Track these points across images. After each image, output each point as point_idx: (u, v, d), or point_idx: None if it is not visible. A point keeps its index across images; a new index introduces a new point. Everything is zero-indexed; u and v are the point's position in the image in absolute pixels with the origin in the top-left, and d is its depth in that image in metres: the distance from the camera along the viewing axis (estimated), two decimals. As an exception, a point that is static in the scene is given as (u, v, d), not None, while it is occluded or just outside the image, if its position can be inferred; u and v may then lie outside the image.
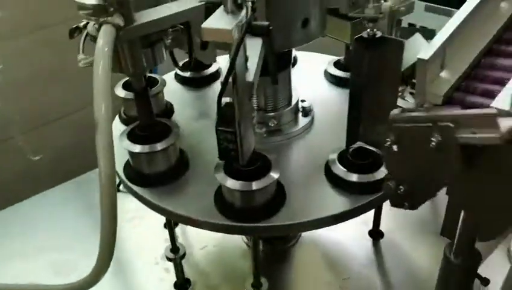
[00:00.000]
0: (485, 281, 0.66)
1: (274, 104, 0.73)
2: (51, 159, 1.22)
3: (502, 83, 0.50)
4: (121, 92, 0.76)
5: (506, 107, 0.46)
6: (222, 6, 0.49)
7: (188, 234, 0.97)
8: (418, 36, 0.76)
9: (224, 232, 0.63)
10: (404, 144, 0.50)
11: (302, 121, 0.75)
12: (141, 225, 0.99)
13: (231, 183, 0.57)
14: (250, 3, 0.48)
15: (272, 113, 0.73)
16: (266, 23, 0.47)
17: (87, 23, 0.66)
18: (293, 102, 0.75)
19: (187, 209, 0.62)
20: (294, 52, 0.93)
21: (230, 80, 0.46)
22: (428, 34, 0.55)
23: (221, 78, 0.48)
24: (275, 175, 0.58)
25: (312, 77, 0.89)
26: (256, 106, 0.73)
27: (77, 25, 0.68)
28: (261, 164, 0.58)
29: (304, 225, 0.60)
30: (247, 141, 0.52)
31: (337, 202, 0.62)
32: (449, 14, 1.45)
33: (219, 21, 0.46)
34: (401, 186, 0.54)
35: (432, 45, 0.52)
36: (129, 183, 0.66)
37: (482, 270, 0.65)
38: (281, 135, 0.73)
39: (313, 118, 0.76)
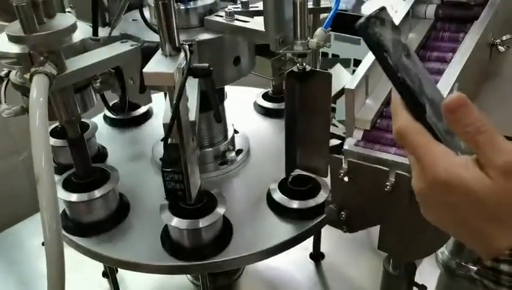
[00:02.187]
0: (423, 288, 0.71)
1: (211, 140, 0.74)
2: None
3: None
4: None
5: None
6: (160, 50, 0.49)
7: (127, 280, 0.93)
8: (338, 66, 0.82)
9: (173, 273, 0.62)
10: (355, 178, 0.53)
11: (239, 153, 0.77)
12: (78, 277, 0.94)
13: (179, 223, 0.57)
14: (187, 47, 0.49)
15: (209, 149, 0.74)
16: (206, 65, 0.48)
17: (9, 72, 0.64)
18: (229, 136, 0.77)
19: (134, 255, 0.60)
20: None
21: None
22: (342, 62, 0.60)
23: (164, 120, 0.48)
24: (221, 211, 0.59)
25: (243, 110, 0.92)
26: (194, 143, 0.73)
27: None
28: (206, 201, 0.59)
29: (252, 257, 0.61)
30: (193, 179, 0.53)
31: (282, 231, 0.64)
32: (358, 43, 1.56)
33: (159, 65, 0.47)
34: (342, 212, 0.57)
35: (355, 75, 0.57)
36: (68, 235, 0.63)
37: (417, 278, 0.70)
38: (220, 169, 0.74)
39: (249, 150, 0.79)
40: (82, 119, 0.78)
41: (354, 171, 0.54)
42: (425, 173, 0.36)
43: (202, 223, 0.57)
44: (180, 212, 0.58)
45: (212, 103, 0.53)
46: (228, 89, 0.96)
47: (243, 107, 0.93)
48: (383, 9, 0.39)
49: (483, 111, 0.56)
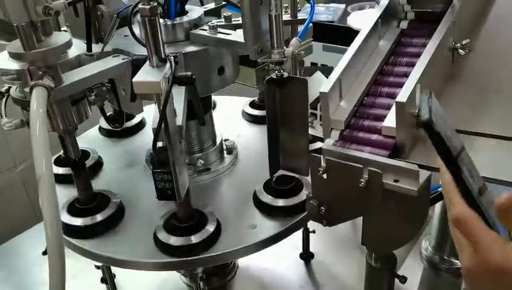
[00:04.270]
0: (403, 279, 0.75)
1: (200, 146, 0.79)
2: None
3: (388, 108, 0.60)
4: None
5: (393, 125, 0.57)
6: (148, 62, 0.54)
7: (124, 286, 0.97)
8: (318, 73, 0.87)
9: (166, 269, 0.66)
10: (333, 175, 0.58)
11: (228, 158, 0.82)
12: (78, 284, 0.97)
13: (173, 241, 0.63)
14: (172, 58, 0.54)
15: (199, 154, 0.79)
16: (189, 73, 0.53)
17: (9, 87, 0.69)
18: (218, 142, 0.81)
19: (128, 253, 0.65)
20: (213, 97, 1.00)
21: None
22: (329, 71, 0.65)
23: (153, 125, 0.53)
24: (210, 228, 0.64)
25: (232, 118, 0.97)
26: (184, 148, 0.78)
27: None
28: (198, 219, 0.65)
29: (239, 251, 0.65)
30: (182, 179, 0.57)
31: (268, 227, 0.68)
32: (344, 52, 1.61)
33: (147, 75, 0.52)
34: (322, 207, 0.62)
35: (329, 80, 0.62)
36: (68, 238, 0.68)
37: (401, 273, 0.74)
38: (210, 173, 0.79)
39: (237, 155, 0.83)
40: (82, 148, 0.84)
41: (331, 168, 0.58)
42: (480, 256, 0.39)
43: (194, 239, 0.63)
44: (174, 231, 0.63)
45: (196, 107, 0.58)
46: (218, 99, 1.01)
47: (232, 115, 0.98)
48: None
49: (445, 108, 0.61)
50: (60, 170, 0.80)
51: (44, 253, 0.90)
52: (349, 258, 0.99)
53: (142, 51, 0.63)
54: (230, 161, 0.81)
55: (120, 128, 0.92)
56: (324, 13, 1.89)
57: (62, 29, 0.72)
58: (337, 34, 1.73)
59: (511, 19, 0.74)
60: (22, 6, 0.52)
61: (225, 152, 0.82)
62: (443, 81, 0.65)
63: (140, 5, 0.51)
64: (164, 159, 0.54)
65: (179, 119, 0.55)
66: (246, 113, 0.96)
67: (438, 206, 0.89)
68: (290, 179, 0.71)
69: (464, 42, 0.64)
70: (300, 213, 0.69)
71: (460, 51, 0.64)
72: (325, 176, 0.59)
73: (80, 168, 0.68)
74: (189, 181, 0.63)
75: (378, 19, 0.70)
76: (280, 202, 0.69)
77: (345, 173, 0.57)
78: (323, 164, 0.59)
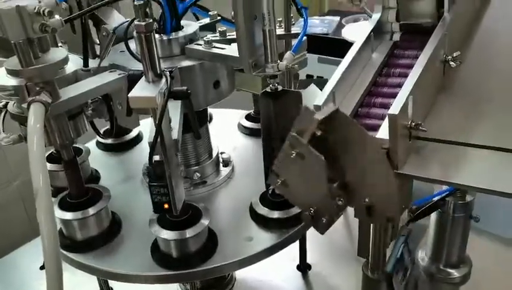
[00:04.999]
0: (400, 290, 0.76)
1: (196, 159, 0.79)
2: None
3: (382, 118, 0.61)
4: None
5: (386, 136, 0.57)
6: (144, 77, 0.55)
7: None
8: (312, 86, 0.88)
9: (163, 282, 0.66)
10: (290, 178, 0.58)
11: (224, 171, 0.82)
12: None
13: (167, 235, 0.62)
14: (168, 73, 0.55)
15: (196, 167, 0.79)
16: (185, 88, 0.54)
17: (7, 103, 0.70)
18: (214, 155, 0.82)
19: (125, 267, 0.65)
20: (210, 110, 1.01)
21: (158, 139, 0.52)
22: (324, 83, 0.66)
23: (149, 139, 0.54)
24: (205, 222, 0.64)
25: (228, 131, 0.97)
26: (181, 161, 0.79)
27: (-2, 107, 0.71)
28: (192, 213, 0.64)
29: (236, 264, 0.65)
30: (178, 192, 0.58)
31: (264, 239, 0.68)
32: (339, 64, 1.63)
33: (143, 90, 0.52)
34: (311, 209, 0.62)
35: (323, 92, 0.63)
36: (65, 252, 0.68)
37: (397, 282, 0.75)
38: (206, 186, 0.79)
39: (233, 167, 0.84)
40: (76, 145, 0.84)
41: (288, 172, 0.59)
42: None
43: (189, 233, 0.62)
44: (168, 225, 0.63)
45: (192, 121, 0.59)
46: (214, 111, 1.02)
47: (229, 128, 0.99)
48: None
49: (437, 119, 0.62)
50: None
51: (42, 267, 0.91)
52: (346, 269, 0.99)
53: (138, 66, 0.64)
54: (226, 173, 0.82)
55: (117, 143, 0.93)
56: (319, 26, 1.92)
57: (59, 45, 0.73)
58: (332, 46, 1.76)
59: (502, 29, 0.76)
60: (19, 23, 0.53)
61: (221, 165, 0.83)
62: (435, 92, 0.66)
63: (136, 22, 0.52)
64: (160, 173, 0.55)
65: (175, 133, 0.56)
66: (242, 126, 0.97)
67: (433, 215, 0.90)
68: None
69: (454, 54, 0.65)
70: (296, 225, 0.69)
71: (451, 63, 0.65)
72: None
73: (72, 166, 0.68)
74: (185, 194, 0.63)
75: (370, 33, 0.71)
76: (276, 214, 0.70)
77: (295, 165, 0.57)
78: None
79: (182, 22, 0.73)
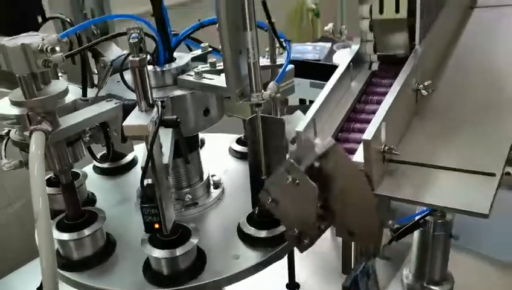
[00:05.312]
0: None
1: (188, 181, 0.84)
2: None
3: (359, 142, 0.66)
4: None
5: (362, 160, 0.62)
6: (137, 106, 0.60)
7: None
8: (298, 112, 0.93)
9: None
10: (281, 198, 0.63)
11: (214, 193, 0.87)
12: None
13: (158, 253, 0.66)
14: (160, 103, 0.60)
15: (187, 189, 0.84)
16: (175, 117, 0.59)
17: (9, 130, 0.74)
18: (205, 177, 0.86)
19: (118, 285, 0.69)
20: (202, 135, 1.06)
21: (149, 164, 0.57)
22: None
23: (142, 164, 0.58)
24: (194, 241, 0.68)
25: (219, 154, 1.02)
26: (173, 184, 0.83)
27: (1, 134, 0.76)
28: (182, 232, 0.68)
29: (224, 280, 0.69)
30: (168, 213, 0.62)
31: (251, 256, 0.72)
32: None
33: (136, 119, 0.57)
34: (295, 229, 0.66)
35: (304, 119, 0.68)
36: (61, 271, 0.71)
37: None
38: (197, 207, 0.84)
39: (223, 189, 0.88)
40: (74, 169, 0.88)
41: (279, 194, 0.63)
42: None
43: (178, 251, 0.66)
44: (159, 244, 0.67)
45: (181, 147, 0.64)
46: (207, 136, 1.07)
47: (220, 151, 1.03)
48: None
49: (410, 143, 0.67)
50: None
51: (39, 289, 0.94)
52: (335, 287, 1.02)
53: (133, 96, 0.69)
54: (217, 195, 0.86)
55: (113, 167, 0.98)
56: (311, 52, 1.98)
57: (59, 74, 0.78)
58: (323, 72, 1.81)
59: (480, 43, 0.82)
60: (23, 59, 0.58)
61: (212, 187, 0.87)
62: (409, 117, 0.71)
63: (130, 58, 0.57)
64: (151, 195, 0.59)
65: (166, 158, 0.61)
66: (233, 149, 1.02)
67: (415, 234, 0.94)
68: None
69: (426, 83, 0.70)
70: (281, 243, 0.73)
71: (423, 91, 0.70)
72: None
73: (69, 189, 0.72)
74: (177, 215, 0.67)
75: (349, 63, 0.76)
76: (262, 233, 0.74)
77: (284, 188, 0.62)
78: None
79: (175, 54, 0.78)
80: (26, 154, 0.64)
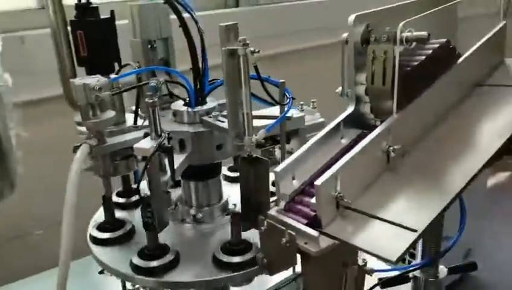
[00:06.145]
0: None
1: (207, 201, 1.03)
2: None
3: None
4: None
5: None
6: (149, 135, 0.82)
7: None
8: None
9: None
10: (271, 234, 0.76)
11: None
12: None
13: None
14: (166, 134, 0.81)
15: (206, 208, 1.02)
16: (170, 145, 0.79)
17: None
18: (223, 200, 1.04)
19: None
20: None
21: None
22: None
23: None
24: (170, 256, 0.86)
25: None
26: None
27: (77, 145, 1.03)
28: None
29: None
30: (161, 217, 0.82)
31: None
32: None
33: (144, 144, 0.79)
34: (264, 259, 0.80)
35: (284, 162, 0.82)
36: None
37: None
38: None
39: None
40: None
41: (269, 229, 0.77)
42: None
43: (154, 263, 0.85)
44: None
45: (170, 169, 0.83)
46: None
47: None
48: None
49: (370, 194, 0.76)
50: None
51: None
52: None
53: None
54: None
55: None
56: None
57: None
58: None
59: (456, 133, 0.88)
60: (83, 94, 0.84)
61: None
62: (377, 173, 0.81)
63: (146, 99, 0.79)
64: (149, 203, 0.79)
65: (166, 177, 0.81)
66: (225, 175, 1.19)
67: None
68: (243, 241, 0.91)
69: (395, 147, 0.80)
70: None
71: (392, 153, 0.80)
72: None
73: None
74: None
75: (340, 121, 0.89)
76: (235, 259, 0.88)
77: (276, 233, 0.76)
78: (265, 225, 0.78)
79: (208, 99, 0.99)
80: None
